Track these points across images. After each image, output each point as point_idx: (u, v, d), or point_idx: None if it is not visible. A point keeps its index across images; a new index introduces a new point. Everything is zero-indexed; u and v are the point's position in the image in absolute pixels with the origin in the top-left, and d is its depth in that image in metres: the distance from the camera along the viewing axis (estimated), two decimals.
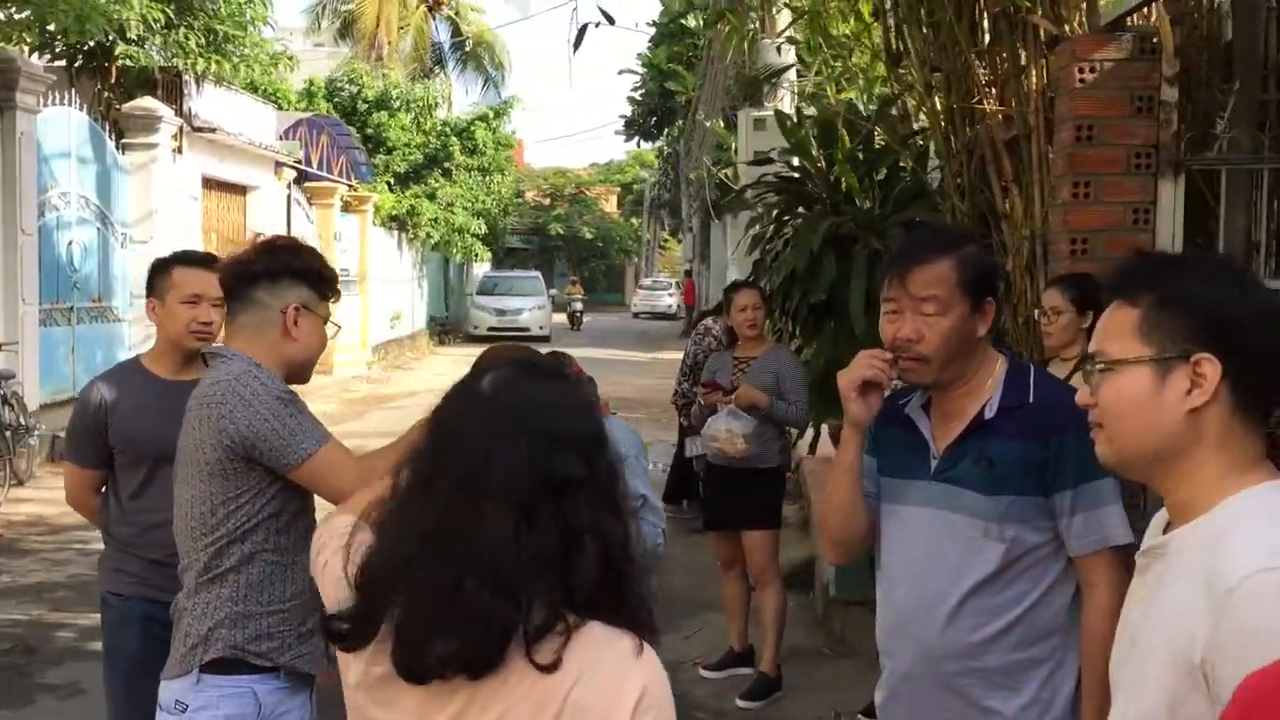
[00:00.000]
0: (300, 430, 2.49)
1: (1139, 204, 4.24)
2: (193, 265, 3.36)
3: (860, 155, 5.86)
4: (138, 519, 3.26)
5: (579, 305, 36.37)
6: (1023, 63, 4.95)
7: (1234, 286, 1.50)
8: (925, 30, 5.25)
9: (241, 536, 2.52)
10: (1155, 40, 4.18)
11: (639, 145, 35.99)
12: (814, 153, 5.87)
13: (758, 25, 9.02)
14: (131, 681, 3.11)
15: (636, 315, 44.23)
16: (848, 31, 6.66)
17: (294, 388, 2.64)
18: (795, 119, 6.30)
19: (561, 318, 35.80)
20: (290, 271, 2.63)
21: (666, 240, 55.48)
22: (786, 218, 6.04)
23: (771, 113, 9.36)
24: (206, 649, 2.48)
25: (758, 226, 6.27)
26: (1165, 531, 1.57)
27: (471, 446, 1.43)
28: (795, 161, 6.46)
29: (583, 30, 6.44)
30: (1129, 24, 4.24)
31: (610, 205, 58.05)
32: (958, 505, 2.34)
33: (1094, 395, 1.56)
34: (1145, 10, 4.46)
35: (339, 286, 2.76)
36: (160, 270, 3.38)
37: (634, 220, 55.39)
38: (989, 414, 2.35)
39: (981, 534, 2.33)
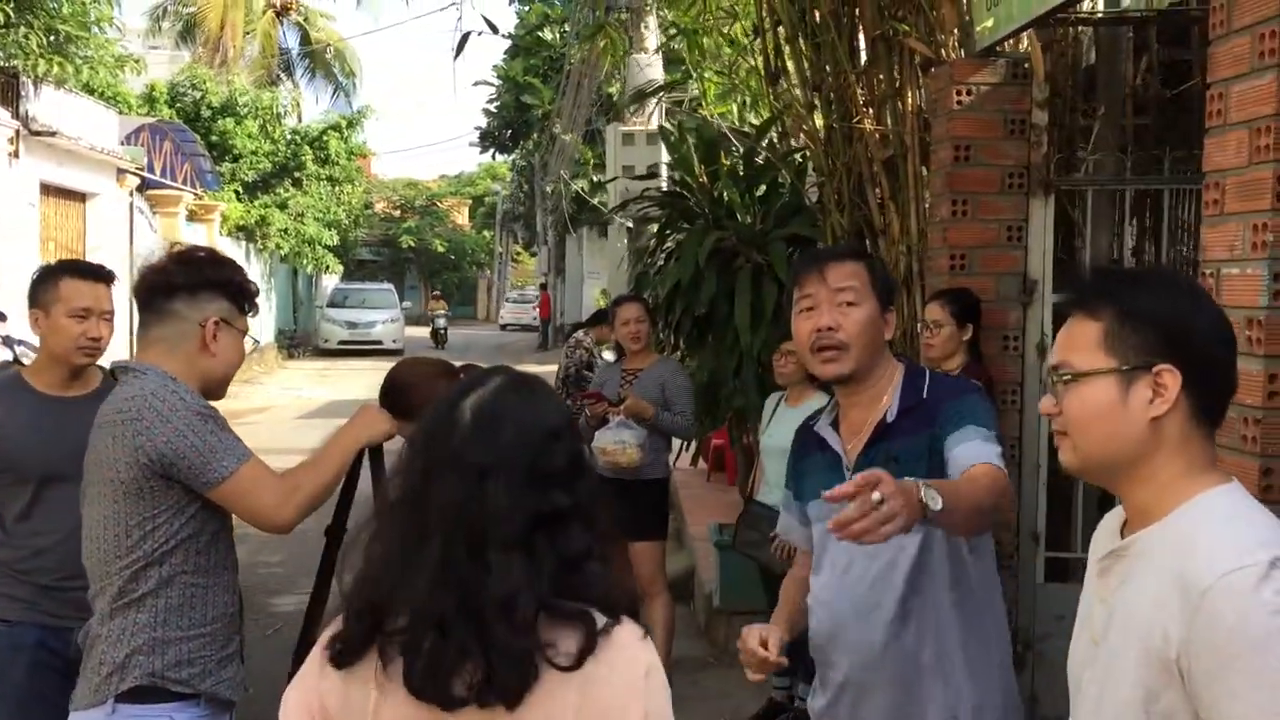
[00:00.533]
0: (220, 447, 2.40)
1: (1013, 222, 4.43)
2: (82, 277, 3.20)
3: (741, 171, 5.97)
4: (25, 542, 3.08)
5: (442, 321, 33.92)
6: (898, 85, 5.13)
7: (1189, 300, 1.60)
8: (804, 50, 5.39)
9: (159, 559, 2.40)
10: (1027, 66, 4.39)
11: (494, 158, 35.75)
12: (696, 168, 5.96)
13: (629, 41, 9.10)
14: (23, 712, 2.96)
15: (504, 327, 43.83)
16: (727, 49, 6.79)
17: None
18: (677, 134, 6.39)
19: (419, 332, 35.22)
20: (210, 284, 2.53)
21: (520, 253, 55.24)
22: (669, 232, 6.11)
23: (643, 129, 9.46)
24: (123, 677, 2.36)
25: (641, 241, 6.31)
26: (1123, 534, 1.65)
27: (462, 487, 1.42)
28: (674, 176, 6.55)
29: (465, 38, 6.39)
30: (1001, 50, 4.43)
31: (462, 217, 57.49)
32: None
33: (1058, 405, 1.63)
34: (1017, 37, 4.67)
35: (256, 300, 2.66)
36: (46, 280, 3.20)
37: (486, 233, 54.97)
38: (890, 417, 2.46)
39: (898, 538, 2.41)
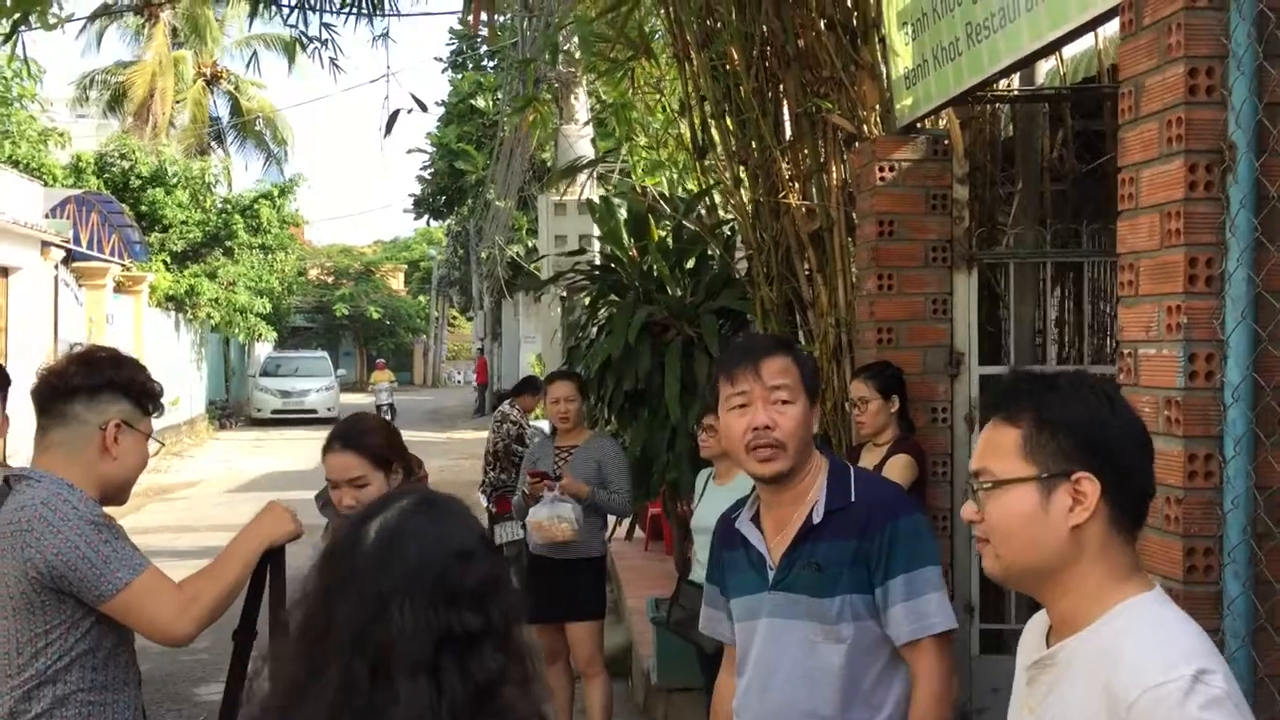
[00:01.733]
0: (115, 558, 2.29)
1: (937, 295, 4.49)
2: None
3: (670, 244, 6.00)
4: None
5: (386, 396, 27.00)
6: (823, 159, 5.20)
7: (1105, 407, 1.59)
8: (730, 126, 5.45)
9: (53, 677, 2.28)
10: (946, 142, 4.47)
11: (429, 224, 35.71)
12: (625, 241, 5.98)
13: (559, 113, 9.18)
14: None
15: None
16: (655, 124, 6.86)
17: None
18: (606, 208, 6.42)
19: (355, 400, 34.61)
20: (111, 385, 2.43)
21: (456, 318, 55.04)
22: (601, 304, 6.11)
23: (575, 199, 9.50)
24: None
25: (575, 314, 6.31)
26: (1049, 641, 1.64)
27: (364, 610, 1.37)
28: (604, 249, 6.56)
29: (394, 116, 6.40)
30: (922, 126, 4.51)
31: (397, 283, 57.24)
32: (796, 611, 2.38)
33: (980, 512, 1.63)
34: (936, 114, 4.77)
35: (162, 401, 2.57)
36: None
37: (421, 298, 54.76)
38: (816, 518, 2.40)
39: (822, 637, 2.37)
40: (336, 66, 7.03)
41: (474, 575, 1.39)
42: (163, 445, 2.62)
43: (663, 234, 6.07)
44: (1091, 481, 1.54)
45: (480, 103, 26.27)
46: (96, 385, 2.42)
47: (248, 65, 34.09)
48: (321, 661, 1.36)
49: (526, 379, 10.30)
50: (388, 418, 20.27)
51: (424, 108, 6.38)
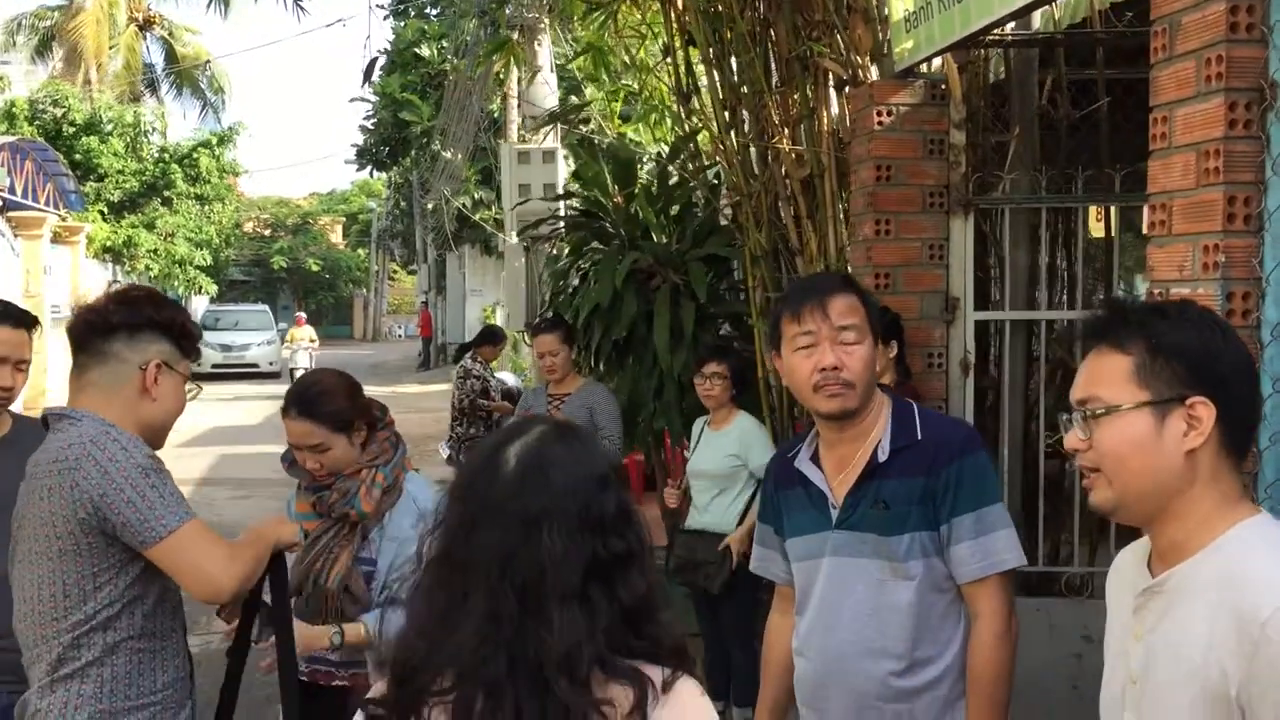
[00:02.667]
0: (160, 504, 2.22)
1: (934, 240, 4.49)
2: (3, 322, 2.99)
3: (655, 190, 5.94)
4: None
5: (306, 359, 22.81)
6: (813, 105, 5.16)
7: (1218, 334, 1.60)
8: (720, 69, 5.39)
9: (104, 624, 2.22)
10: (944, 87, 4.45)
11: (372, 175, 35.09)
12: (610, 188, 5.90)
13: (534, 58, 9.02)
14: None
15: None
16: (635, 69, 6.76)
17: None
18: (588, 152, 6.32)
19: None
20: (152, 324, 2.37)
21: (396, 272, 54.44)
22: (584, 251, 6.04)
23: (536, 147, 9.37)
24: None
25: (559, 263, 6.23)
26: (1153, 569, 1.64)
27: (509, 538, 1.34)
28: (587, 195, 6.46)
29: (372, 63, 6.24)
30: (918, 70, 4.49)
31: (336, 235, 56.38)
32: (863, 550, 2.37)
33: (1087, 439, 1.62)
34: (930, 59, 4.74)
35: (200, 345, 2.50)
36: None
37: (360, 251, 54.02)
38: (882, 456, 2.37)
39: (890, 575, 2.35)
40: (300, 7, 6.83)
41: (614, 501, 1.37)
42: (200, 389, 2.53)
43: (646, 180, 5.99)
44: (1207, 406, 1.54)
45: (425, 51, 25.80)
46: (137, 324, 2.36)
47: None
48: (466, 589, 1.33)
49: (485, 329, 10.18)
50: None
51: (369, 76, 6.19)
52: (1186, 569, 1.57)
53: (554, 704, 1.28)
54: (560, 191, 7.73)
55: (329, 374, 3.14)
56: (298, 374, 18.35)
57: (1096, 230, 5.48)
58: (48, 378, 17.61)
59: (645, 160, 6.54)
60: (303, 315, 27.22)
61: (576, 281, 6.02)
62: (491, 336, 9.48)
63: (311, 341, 24.05)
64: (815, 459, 2.48)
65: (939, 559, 2.37)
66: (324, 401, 2.94)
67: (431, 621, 1.35)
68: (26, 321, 3.07)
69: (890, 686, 2.36)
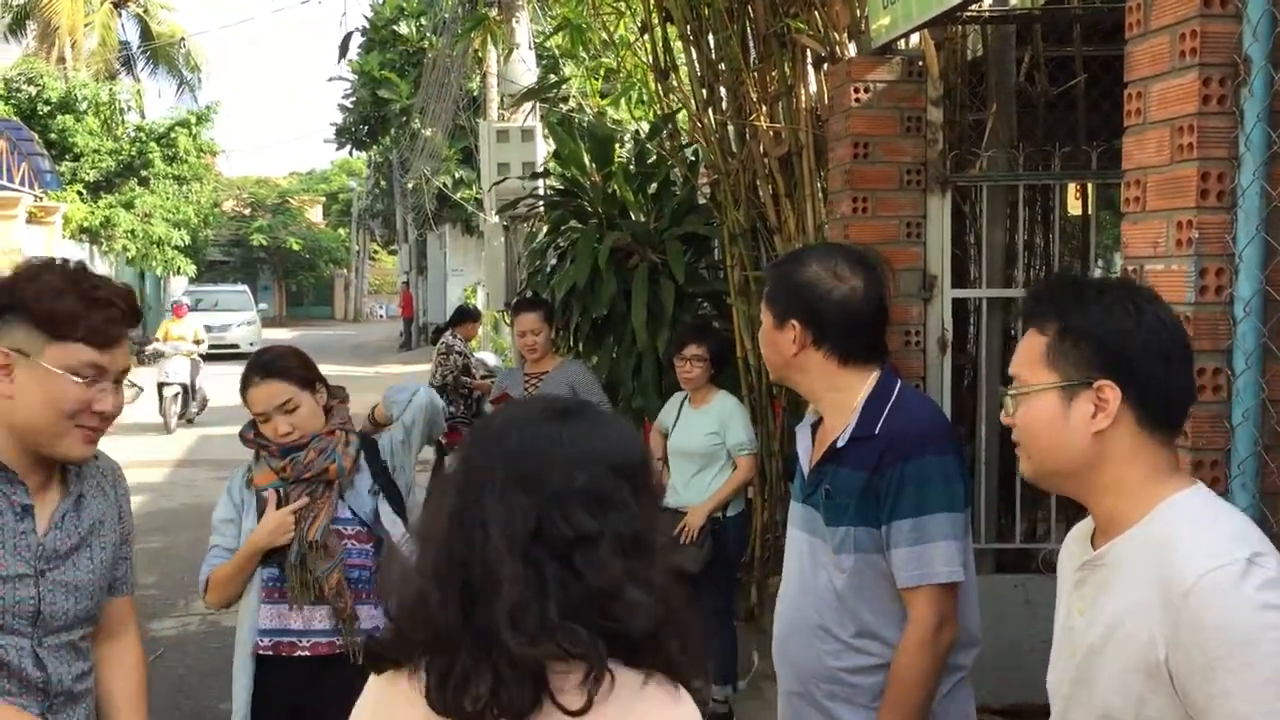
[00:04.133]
0: None
1: (911, 218, 4.47)
2: None
3: (633, 169, 5.91)
4: None
5: (183, 373, 15.90)
6: (791, 82, 5.14)
7: (1130, 316, 1.60)
8: (699, 46, 5.36)
9: None
10: (921, 63, 4.43)
11: (351, 154, 34.86)
12: (588, 166, 5.87)
13: (511, 35, 8.95)
14: None
15: None
16: (613, 47, 6.71)
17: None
18: (565, 130, 6.27)
19: (277, 335, 33.86)
20: (4, 307, 1.99)
21: (377, 252, 54.19)
22: (562, 229, 6.01)
23: (515, 125, 9.32)
24: None
25: (534, 241, 6.19)
26: (1095, 544, 1.66)
27: (480, 499, 1.35)
28: (565, 173, 6.42)
29: (347, 38, 6.18)
30: (896, 48, 4.46)
31: (315, 215, 56.04)
32: (816, 529, 2.37)
33: (1011, 417, 1.68)
34: (908, 35, 4.72)
35: (109, 329, 2.03)
36: None
37: (341, 230, 53.73)
38: (840, 443, 2.34)
39: (829, 560, 2.34)
40: None
41: (586, 478, 1.34)
42: (140, 391, 2.40)
43: (624, 158, 5.96)
44: (1113, 389, 1.57)
45: (403, 28, 25.62)
46: None
47: None
48: (438, 553, 1.36)
49: (460, 308, 10.20)
50: (179, 413, 15.19)
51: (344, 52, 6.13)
52: (1121, 543, 1.59)
53: (502, 659, 1.28)
54: (539, 170, 7.68)
55: (280, 345, 3.26)
56: (169, 394, 14.92)
57: (1074, 208, 5.49)
58: None
59: (624, 139, 6.49)
60: (184, 303, 17.85)
61: (554, 261, 6.00)
62: (469, 314, 9.56)
63: (197, 343, 16.26)
64: (816, 428, 2.45)
65: (879, 555, 2.31)
66: (284, 361, 3.05)
67: (413, 579, 1.37)
68: None
69: (826, 666, 2.35)
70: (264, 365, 3.02)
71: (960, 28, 4.70)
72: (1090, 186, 4.96)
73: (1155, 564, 1.52)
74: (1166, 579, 1.48)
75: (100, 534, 2.19)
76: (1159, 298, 1.69)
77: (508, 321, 7.15)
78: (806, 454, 2.43)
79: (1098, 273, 5.64)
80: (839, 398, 2.37)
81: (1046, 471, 1.66)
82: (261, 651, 2.98)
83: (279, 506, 2.98)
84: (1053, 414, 1.61)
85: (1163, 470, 1.60)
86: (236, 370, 3.34)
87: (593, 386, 5.20)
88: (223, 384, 20.59)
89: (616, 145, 5.86)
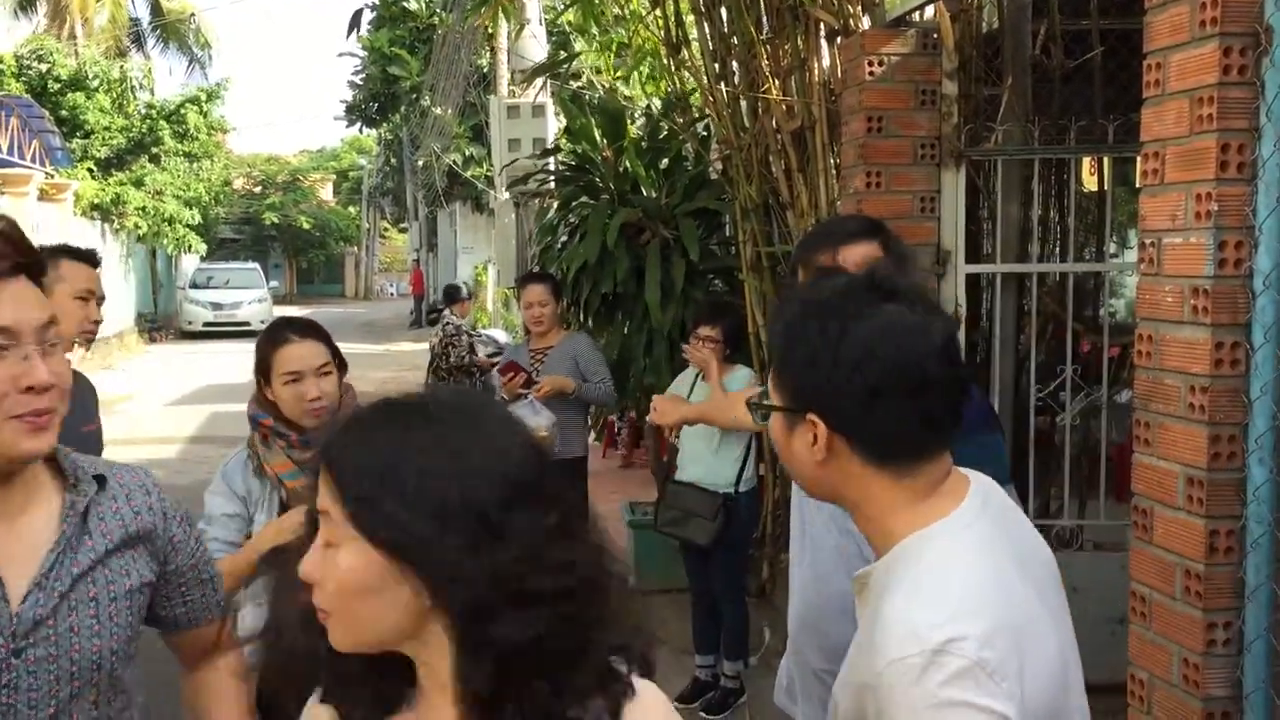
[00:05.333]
0: None
1: (925, 193, 4.44)
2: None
3: (644, 144, 5.87)
4: None
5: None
6: (804, 55, 5.10)
7: (828, 348, 1.44)
8: (707, 21, 5.32)
9: None
10: (936, 36, 4.39)
11: (361, 131, 34.77)
12: (599, 142, 5.83)
13: (522, 10, 8.91)
14: None
15: None
16: (629, 16, 6.67)
17: None
18: (576, 106, 6.25)
19: (288, 312, 33.75)
20: None
21: (388, 230, 54.17)
22: (573, 205, 5.99)
23: (525, 101, 9.28)
24: None
25: (546, 216, 6.17)
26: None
27: None
28: (576, 149, 6.39)
29: (357, 15, 6.14)
30: (910, 20, 4.42)
31: (326, 193, 55.99)
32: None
33: (763, 424, 1.57)
34: (922, 7, 4.67)
35: None
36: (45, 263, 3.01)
37: (352, 208, 53.68)
38: None
39: (851, 537, 2.31)
40: None
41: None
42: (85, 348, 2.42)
43: (637, 133, 5.92)
44: (817, 423, 1.45)
45: (413, 4, 25.52)
46: None
47: None
48: None
49: (449, 287, 10.19)
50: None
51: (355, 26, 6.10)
52: (874, 572, 1.49)
53: None
54: (550, 146, 7.65)
55: (300, 317, 3.20)
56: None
57: (1090, 183, 5.45)
58: None
59: (636, 115, 6.46)
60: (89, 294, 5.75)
61: (565, 237, 5.98)
62: (459, 292, 9.63)
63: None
64: None
65: None
66: (317, 326, 2.91)
67: None
68: (94, 260, 3.19)
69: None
70: (299, 325, 2.88)
71: (976, 0, 4.66)
72: (1106, 161, 4.91)
73: (875, 620, 1.40)
74: (873, 648, 1.37)
75: (114, 572, 1.71)
76: (898, 310, 1.46)
77: (518, 298, 7.15)
78: None
79: (1112, 248, 5.60)
80: None
81: (803, 487, 1.56)
82: None
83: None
84: (781, 435, 1.51)
85: (901, 506, 1.45)
86: (247, 348, 3.28)
87: (596, 355, 5.19)
88: (230, 360, 20.71)
89: (628, 120, 5.82)
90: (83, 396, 2.95)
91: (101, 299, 3.20)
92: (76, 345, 3.00)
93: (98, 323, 3.14)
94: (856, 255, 2.28)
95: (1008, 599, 1.38)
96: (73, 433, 2.64)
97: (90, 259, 3.19)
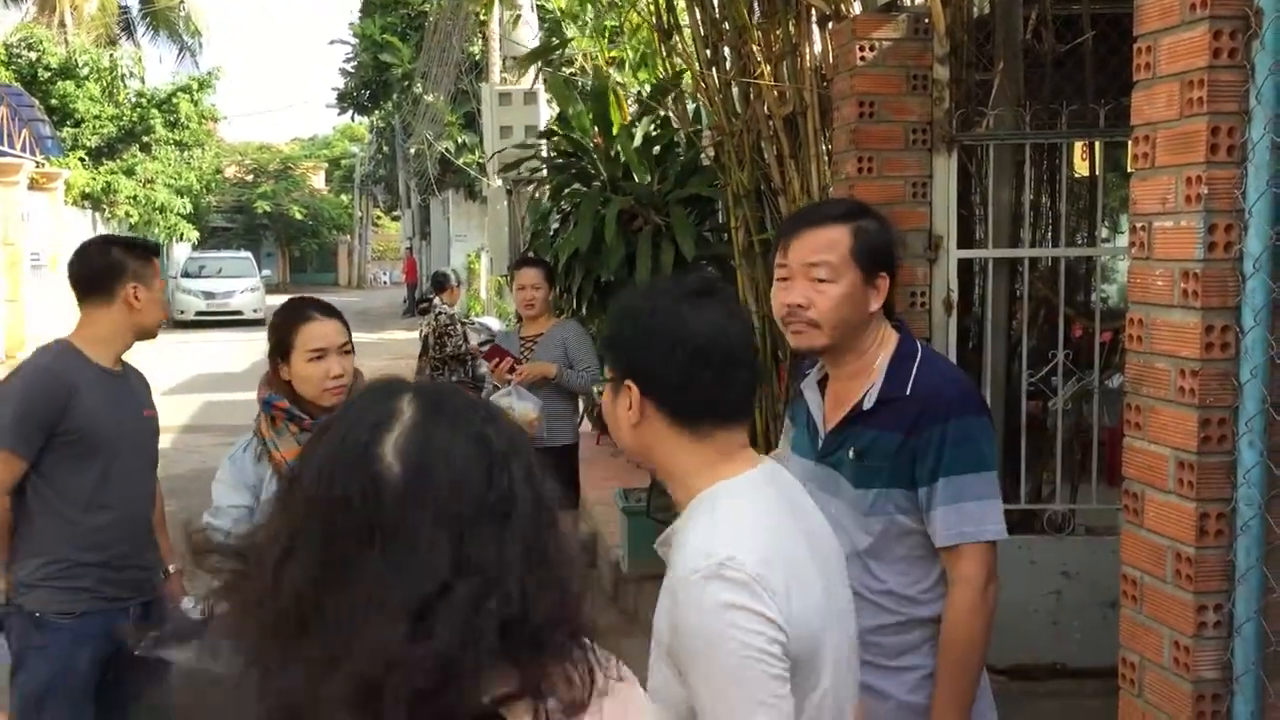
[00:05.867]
0: None
1: (917, 178, 4.44)
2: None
3: (635, 129, 5.85)
4: (91, 521, 3.06)
5: None
6: (795, 41, 5.08)
7: (637, 323, 1.77)
8: (698, 6, 5.30)
9: None
10: (928, 20, 4.38)
11: (353, 119, 34.68)
12: (589, 128, 5.80)
13: None
14: (85, 705, 3.03)
15: None
16: (620, 2, 6.64)
17: None
18: (565, 90, 6.21)
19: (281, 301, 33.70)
20: None
21: (380, 218, 54.06)
22: (565, 192, 5.97)
23: (517, 88, 9.26)
24: None
25: (540, 203, 6.15)
26: None
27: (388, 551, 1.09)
28: (569, 135, 6.37)
29: None
30: (901, 5, 4.42)
31: (318, 181, 55.83)
32: (838, 490, 2.31)
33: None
34: None
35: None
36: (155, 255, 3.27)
37: (344, 197, 53.53)
38: (867, 404, 2.29)
39: (854, 525, 2.31)
40: None
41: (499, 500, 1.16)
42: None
43: (632, 120, 5.87)
44: (631, 388, 1.73)
45: None
46: None
47: None
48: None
49: (436, 275, 10.17)
50: None
51: None
52: (676, 524, 1.73)
53: None
54: (541, 131, 7.62)
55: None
56: None
57: (1081, 169, 5.44)
58: (26, 324, 17.49)
59: (628, 100, 6.43)
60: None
61: (557, 224, 5.96)
62: (448, 279, 9.63)
63: None
64: (823, 385, 2.41)
65: (909, 518, 2.30)
66: (333, 306, 2.98)
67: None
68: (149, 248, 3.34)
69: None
70: (320, 305, 2.94)
71: None
72: (1098, 146, 4.91)
73: (676, 556, 1.66)
74: (671, 575, 1.63)
75: None
76: (711, 305, 1.77)
77: (511, 285, 7.13)
78: (819, 411, 2.39)
79: (1104, 233, 5.60)
80: (867, 356, 2.36)
81: (624, 449, 1.84)
82: None
83: None
84: (608, 402, 1.81)
85: (706, 464, 1.72)
86: (240, 336, 3.38)
87: (585, 342, 5.19)
88: (223, 350, 20.68)
89: (615, 98, 5.77)
90: (141, 386, 3.34)
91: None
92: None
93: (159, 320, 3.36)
94: (822, 240, 2.28)
95: (785, 540, 1.65)
96: (138, 418, 3.23)
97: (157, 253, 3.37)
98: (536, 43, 9.97)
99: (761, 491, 1.70)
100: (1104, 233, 5.52)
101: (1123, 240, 5.27)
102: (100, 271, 3.18)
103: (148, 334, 3.27)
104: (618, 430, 1.78)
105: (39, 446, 3.01)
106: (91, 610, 3.03)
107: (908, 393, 2.29)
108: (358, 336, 3.22)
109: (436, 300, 9.12)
